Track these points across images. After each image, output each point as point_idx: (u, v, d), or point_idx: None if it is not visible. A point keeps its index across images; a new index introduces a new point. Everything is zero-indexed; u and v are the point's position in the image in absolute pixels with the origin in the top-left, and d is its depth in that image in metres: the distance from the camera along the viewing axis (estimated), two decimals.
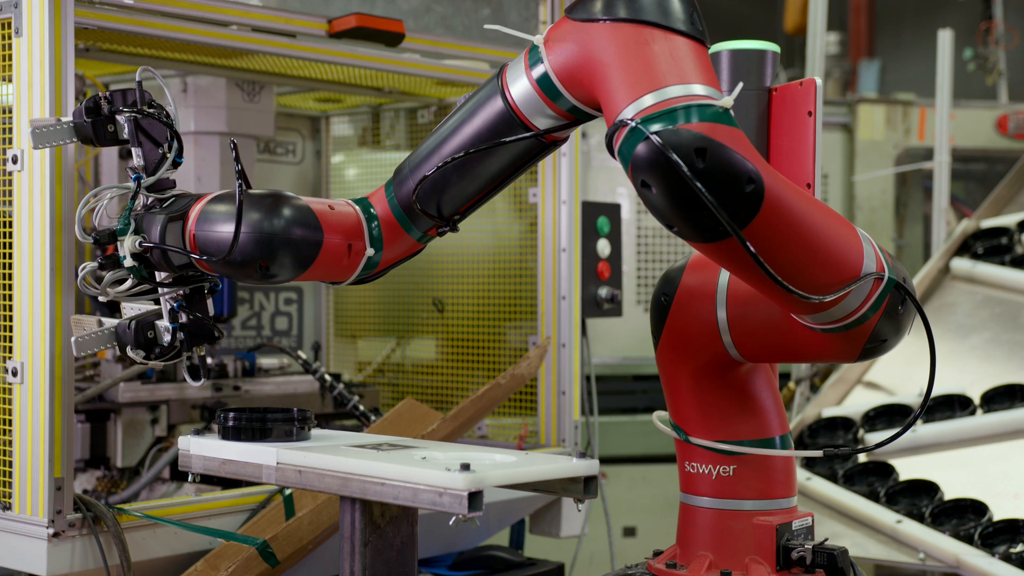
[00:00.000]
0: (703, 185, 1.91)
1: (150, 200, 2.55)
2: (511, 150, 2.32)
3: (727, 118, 1.98)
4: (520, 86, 2.26)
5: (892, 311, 2.19)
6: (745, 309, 2.34)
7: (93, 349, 2.61)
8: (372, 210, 2.46)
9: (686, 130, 1.93)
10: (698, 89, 2.00)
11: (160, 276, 2.56)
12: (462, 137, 2.34)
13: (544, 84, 2.22)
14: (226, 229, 2.35)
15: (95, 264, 2.54)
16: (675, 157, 1.91)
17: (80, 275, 2.54)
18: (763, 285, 2.10)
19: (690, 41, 2.08)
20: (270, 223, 2.33)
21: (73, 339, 2.61)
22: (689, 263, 2.43)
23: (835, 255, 2.11)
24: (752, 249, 1.99)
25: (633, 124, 1.97)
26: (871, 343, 2.21)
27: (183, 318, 2.59)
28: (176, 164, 2.58)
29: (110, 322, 2.63)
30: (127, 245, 2.48)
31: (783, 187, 2.02)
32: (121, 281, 2.55)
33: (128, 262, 2.49)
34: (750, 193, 1.95)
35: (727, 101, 1.98)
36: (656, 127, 1.95)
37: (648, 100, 2.00)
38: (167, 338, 2.59)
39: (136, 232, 2.49)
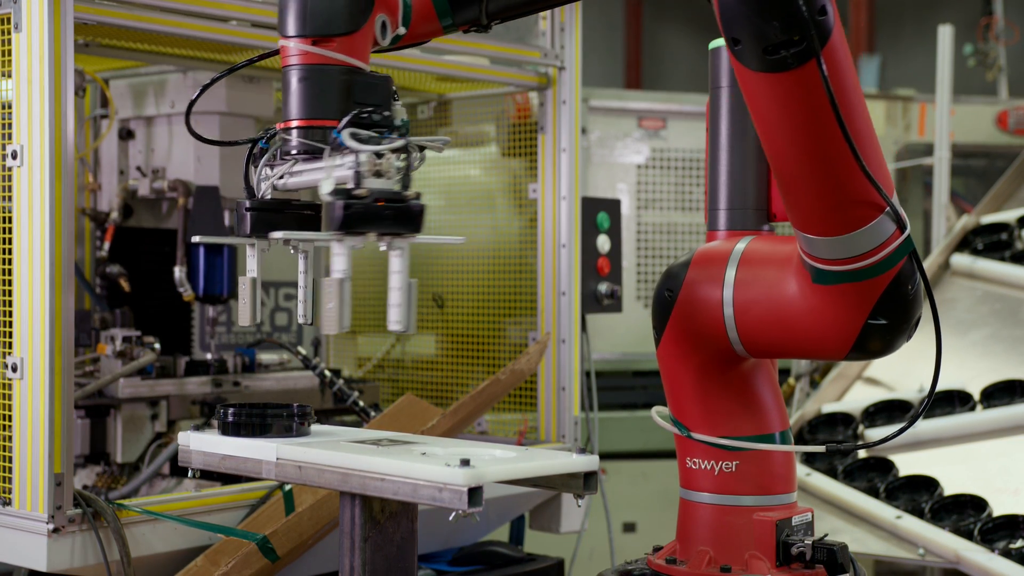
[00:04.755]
0: None
1: None
2: None
3: None
4: None
5: (903, 281, 2.18)
6: (751, 304, 2.33)
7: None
8: None
9: None
10: None
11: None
12: None
13: None
14: None
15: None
16: None
17: None
18: (801, 161, 2.08)
19: None
20: None
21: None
22: (694, 259, 2.42)
23: (871, 155, 2.09)
24: (825, 71, 1.94)
25: None
26: (873, 319, 2.19)
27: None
28: None
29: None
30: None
31: (845, 49, 2.00)
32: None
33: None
34: (821, 22, 1.93)
35: None
36: None
37: None
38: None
39: None
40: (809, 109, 2.00)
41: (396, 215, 2.28)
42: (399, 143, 2.26)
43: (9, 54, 2.88)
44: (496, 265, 4.27)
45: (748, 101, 2.09)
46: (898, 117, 6.88)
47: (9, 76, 2.89)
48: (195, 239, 2.47)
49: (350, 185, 2.22)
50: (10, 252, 2.89)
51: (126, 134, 4.16)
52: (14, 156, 2.86)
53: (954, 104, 6.30)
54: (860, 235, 2.13)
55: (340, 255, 2.30)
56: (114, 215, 4.02)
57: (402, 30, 2.42)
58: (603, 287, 4.33)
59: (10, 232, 2.89)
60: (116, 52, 3.63)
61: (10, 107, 2.89)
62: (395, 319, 2.35)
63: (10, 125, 2.89)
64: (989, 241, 5.44)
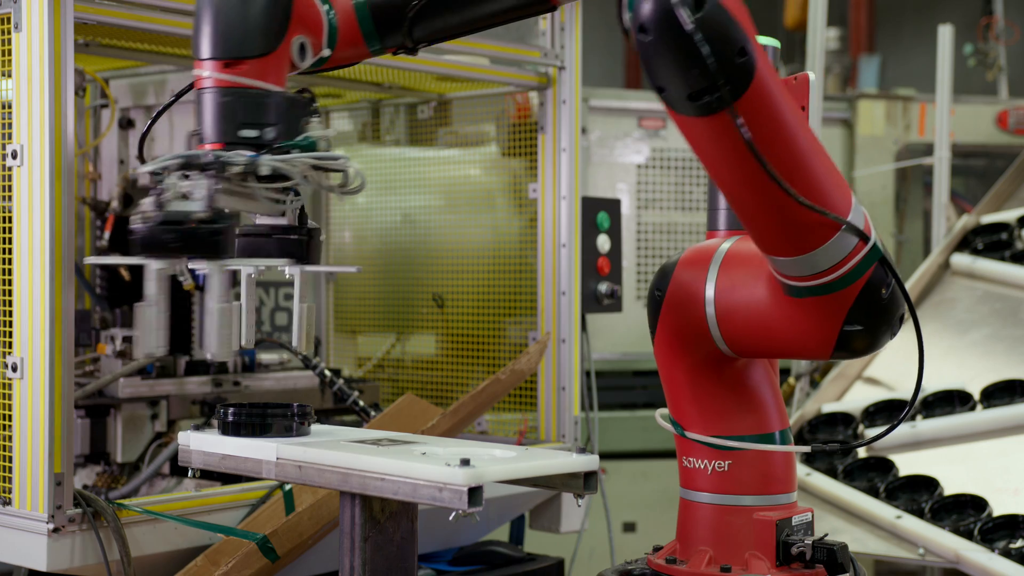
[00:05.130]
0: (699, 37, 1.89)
1: None
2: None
3: None
4: None
5: (875, 288, 2.17)
6: (732, 306, 2.33)
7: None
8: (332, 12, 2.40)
9: None
10: None
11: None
12: None
13: None
14: None
15: None
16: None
17: None
18: (746, 195, 2.07)
19: None
20: None
21: None
22: (682, 258, 2.42)
23: (819, 177, 2.08)
24: (740, 121, 1.94)
25: None
26: (848, 326, 2.19)
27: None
28: None
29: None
30: None
31: (775, 82, 1.99)
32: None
33: None
34: (741, 64, 1.92)
35: None
36: None
37: None
38: None
39: None
40: (744, 147, 2.00)
41: (183, 238, 2.26)
42: (169, 161, 2.23)
43: (9, 54, 2.88)
44: (496, 265, 4.27)
45: (687, 140, 2.09)
46: (898, 117, 6.88)
47: (9, 76, 2.89)
48: (86, 260, 2.42)
49: (151, 208, 2.23)
50: (10, 252, 2.89)
51: (126, 123, 4.16)
52: (14, 156, 2.86)
53: (954, 104, 6.30)
54: (820, 253, 2.13)
55: (150, 280, 2.30)
56: (114, 204, 4.01)
57: (327, 52, 2.40)
58: (603, 287, 4.33)
59: (10, 232, 2.89)
60: (116, 52, 3.62)
61: (10, 107, 2.89)
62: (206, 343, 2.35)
63: (10, 125, 2.89)
64: (989, 241, 5.44)
